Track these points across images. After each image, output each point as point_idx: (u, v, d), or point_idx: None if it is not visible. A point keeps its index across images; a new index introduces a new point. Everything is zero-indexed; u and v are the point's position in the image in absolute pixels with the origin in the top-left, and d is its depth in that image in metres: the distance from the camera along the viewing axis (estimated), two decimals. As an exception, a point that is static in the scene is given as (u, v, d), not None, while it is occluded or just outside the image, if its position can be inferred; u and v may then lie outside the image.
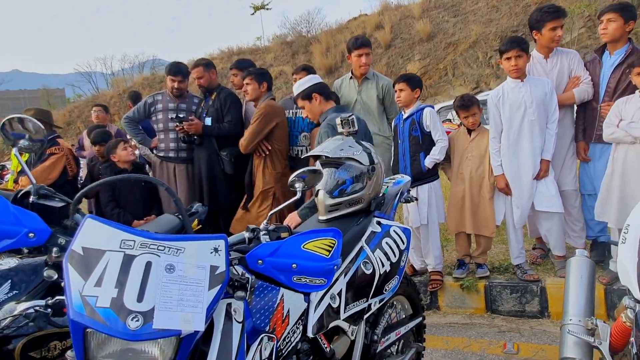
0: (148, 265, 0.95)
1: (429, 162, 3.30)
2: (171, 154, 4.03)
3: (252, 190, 3.62)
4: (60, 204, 1.13)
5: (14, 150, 1.23)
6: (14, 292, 2.07)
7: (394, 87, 3.40)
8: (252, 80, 3.59)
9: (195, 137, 3.89)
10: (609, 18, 3.01)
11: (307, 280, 1.17)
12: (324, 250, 1.18)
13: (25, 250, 2.06)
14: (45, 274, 1.10)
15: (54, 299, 1.82)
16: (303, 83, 3.05)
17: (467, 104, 3.29)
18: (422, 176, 3.33)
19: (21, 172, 4.22)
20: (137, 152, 4.49)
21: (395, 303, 2.31)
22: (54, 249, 1.08)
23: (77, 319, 0.89)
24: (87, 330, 0.91)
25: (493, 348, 2.86)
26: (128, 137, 4.41)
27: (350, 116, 1.90)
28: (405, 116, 3.37)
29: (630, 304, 1.61)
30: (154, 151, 4.14)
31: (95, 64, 54.76)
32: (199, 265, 1.00)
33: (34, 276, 2.31)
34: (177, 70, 3.98)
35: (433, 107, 3.40)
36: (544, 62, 3.24)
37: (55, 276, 1.12)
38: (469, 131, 3.34)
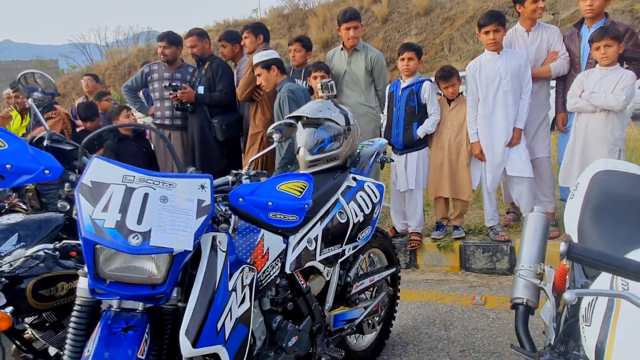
0: (145, 196, 1.14)
1: (421, 132, 3.49)
2: (166, 122, 4.19)
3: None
4: (70, 147, 1.31)
5: (30, 101, 1.41)
6: (21, 244, 2.28)
7: (400, 55, 3.52)
8: (249, 34, 3.90)
9: (188, 105, 4.06)
10: None
11: (282, 216, 1.37)
12: (296, 191, 1.38)
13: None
14: (59, 204, 1.29)
15: (62, 243, 2.03)
16: (264, 55, 3.42)
17: (447, 75, 3.46)
18: (413, 144, 3.53)
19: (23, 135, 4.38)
20: (146, 119, 4.68)
21: (372, 255, 2.54)
22: (66, 184, 1.27)
23: (88, 237, 1.09)
24: (97, 246, 1.11)
25: (463, 300, 3.11)
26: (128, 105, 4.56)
27: (329, 81, 2.09)
28: (404, 85, 3.51)
29: (570, 249, 1.83)
30: (152, 119, 4.32)
31: (89, 35, 53.92)
32: (188, 199, 1.19)
33: (39, 230, 2.52)
34: (164, 36, 4.14)
35: (431, 81, 3.56)
36: (525, 35, 3.40)
37: (68, 207, 1.31)
38: (449, 101, 3.52)
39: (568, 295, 0.89)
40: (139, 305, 1.23)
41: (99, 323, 1.19)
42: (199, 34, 4.02)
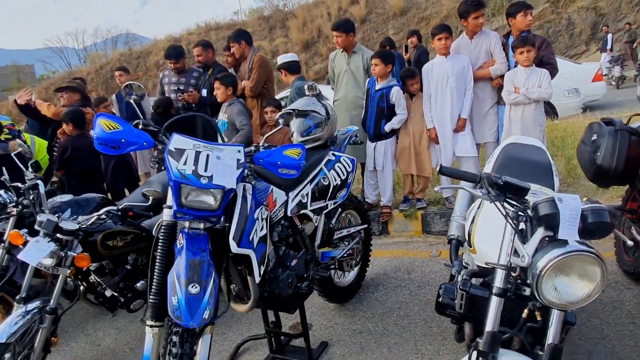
0: (207, 155, 1.89)
1: (388, 127, 4.28)
2: None
3: None
4: (155, 129, 2.05)
5: (132, 100, 2.15)
6: (74, 216, 3.01)
7: (371, 60, 4.25)
8: (234, 43, 4.72)
9: (194, 105, 4.81)
10: (531, 12, 4.04)
11: (286, 171, 2.13)
12: (295, 155, 2.14)
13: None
14: (151, 164, 2.04)
15: (123, 205, 2.80)
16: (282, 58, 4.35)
17: (412, 74, 4.30)
18: (381, 136, 4.31)
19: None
20: None
21: (349, 215, 3.34)
22: (156, 151, 2.00)
23: (177, 179, 1.83)
24: (181, 185, 1.84)
25: (423, 254, 3.94)
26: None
27: (313, 84, 2.88)
28: (377, 87, 4.25)
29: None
30: None
31: (66, 39, 53.60)
32: (231, 157, 1.95)
33: (84, 206, 3.28)
34: (168, 54, 4.87)
35: (400, 86, 4.27)
36: (469, 42, 4.23)
37: (157, 165, 2.06)
38: (411, 96, 4.34)
39: (436, 189, 1.69)
40: (201, 225, 1.97)
41: (180, 234, 1.93)
42: (204, 44, 4.79)
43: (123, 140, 1.89)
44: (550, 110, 8.26)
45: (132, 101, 2.19)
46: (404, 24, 20.57)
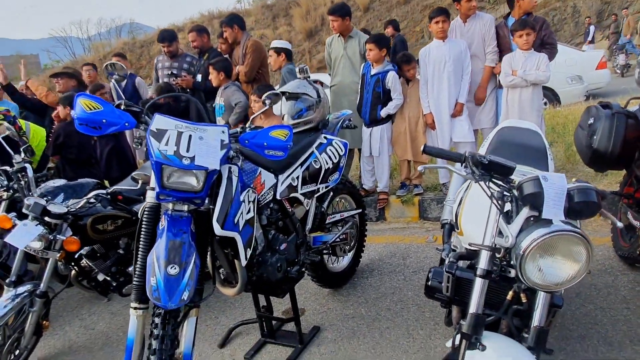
0: (190, 136, 1.85)
1: (384, 113, 4.22)
2: None
3: None
4: (138, 109, 2.01)
5: (113, 81, 2.11)
6: (66, 201, 2.98)
7: (365, 45, 4.19)
8: (226, 27, 4.62)
9: (188, 90, 4.76)
10: None
11: (273, 152, 2.09)
12: (282, 136, 2.10)
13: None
14: (133, 144, 2.01)
15: (112, 189, 2.77)
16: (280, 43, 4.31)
17: (409, 59, 4.23)
18: (377, 121, 4.26)
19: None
20: None
21: (343, 200, 3.30)
22: (139, 132, 1.97)
23: (158, 160, 1.79)
24: (163, 166, 1.81)
25: (419, 240, 3.91)
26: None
27: (304, 66, 2.82)
28: (373, 72, 4.18)
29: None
30: None
31: (70, 29, 53.50)
32: (215, 138, 1.91)
33: (78, 191, 3.26)
34: (162, 38, 4.84)
35: (396, 70, 4.22)
36: (462, 25, 4.15)
37: (140, 146, 2.02)
38: (408, 81, 4.27)
39: (419, 168, 1.66)
40: (185, 208, 1.94)
41: (163, 216, 1.90)
42: (198, 30, 4.73)
43: (104, 121, 1.86)
44: (553, 97, 8.17)
45: (113, 81, 2.13)
46: (408, 12, 20.33)
